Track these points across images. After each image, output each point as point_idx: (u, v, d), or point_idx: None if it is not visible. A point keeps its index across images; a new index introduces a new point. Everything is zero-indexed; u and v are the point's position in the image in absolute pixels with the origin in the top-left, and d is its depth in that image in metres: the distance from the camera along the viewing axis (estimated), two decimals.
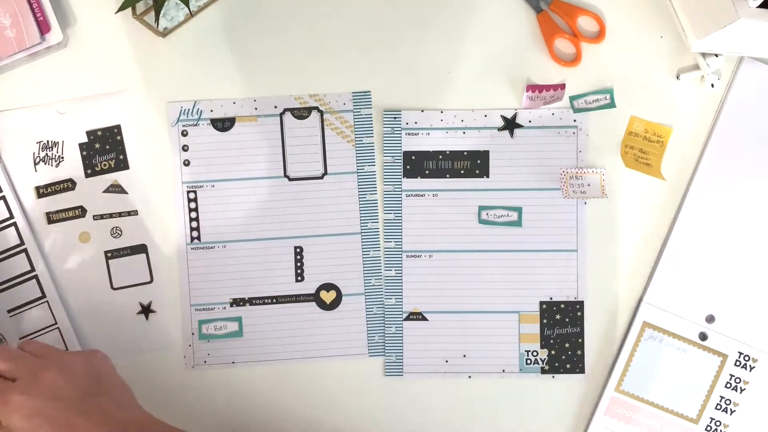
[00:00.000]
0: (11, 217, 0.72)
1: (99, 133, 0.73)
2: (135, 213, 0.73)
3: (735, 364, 0.73)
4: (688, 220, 0.72)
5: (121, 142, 0.73)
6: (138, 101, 0.74)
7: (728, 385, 0.73)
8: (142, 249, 0.73)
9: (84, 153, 0.73)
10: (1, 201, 0.72)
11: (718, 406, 0.73)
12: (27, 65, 0.74)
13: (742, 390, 0.73)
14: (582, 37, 0.75)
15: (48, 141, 0.73)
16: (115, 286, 0.73)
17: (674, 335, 0.73)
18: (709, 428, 0.73)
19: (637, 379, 0.73)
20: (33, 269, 0.72)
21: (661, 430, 0.73)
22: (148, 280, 0.73)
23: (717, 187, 0.73)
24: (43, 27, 0.72)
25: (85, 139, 0.73)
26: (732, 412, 0.73)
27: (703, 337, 0.73)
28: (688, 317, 0.73)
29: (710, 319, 0.73)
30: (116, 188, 0.73)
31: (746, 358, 0.73)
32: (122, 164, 0.73)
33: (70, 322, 0.72)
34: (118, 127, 0.73)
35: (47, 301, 0.72)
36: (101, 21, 0.74)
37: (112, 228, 0.73)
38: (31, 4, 0.71)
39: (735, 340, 0.73)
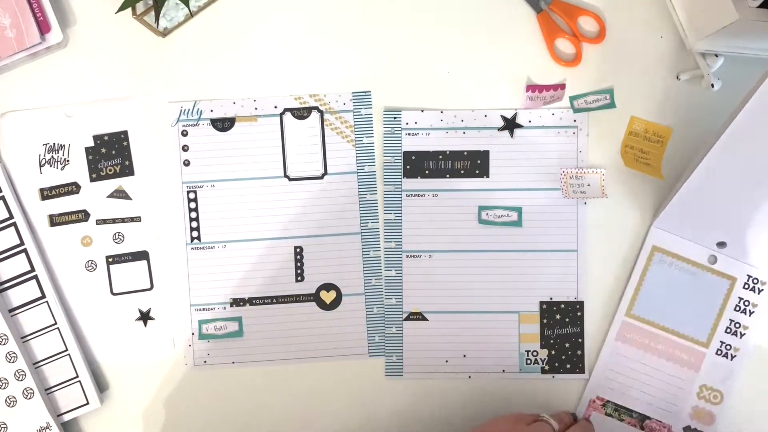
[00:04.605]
0: (11, 217, 0.72)
1: (106, 138, 0.73)
2: (138, 219, 0.73)
3: (744, 287, 0.73)
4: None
5: (128, 148, 0.73)
6: (137, 101, 0.74)
7: (737, 308, 0.73)
8: (143, 256, 0.74)
9: (90, 157, 0.73)
10: (1, 201, 0.72)
11: (728, 330, 0.73)
12: (27, 65, 0.74)
13: (751, 313, 0.73)
14: (582, 37, 0.75)
15: (54, 143, 0.73)
16: (114, 291, 0.73)
17: (683, 259, 0.73)
18: (719, 351, 0.73)
19: (647, 304, 0.73)
20: (33, 269, 0.72)
21: (672, 353, 0.73)
22: (149, 287, 0.74)
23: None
24: (43, 27, 0.72)
25: (91, 143, 0.73)
26: (742, 335, 0.73)
27: (713, 261, 0.73)
28: (698, 241, 0.73)
29: (721, 245, 0.73)
30: (121, 194, 0.73)
31: (755, 281, 0.73)
32: (128, 170, 0.74)
33: (70, 324, 0.73)
34: (125, 132, 0.73)
35: (47, 302, 0.72)
36: (101, 21, 0.74)
37: (115, 233, 0.73)
38: (31, 4, 0.71)
39: (744, 264, 0.73)
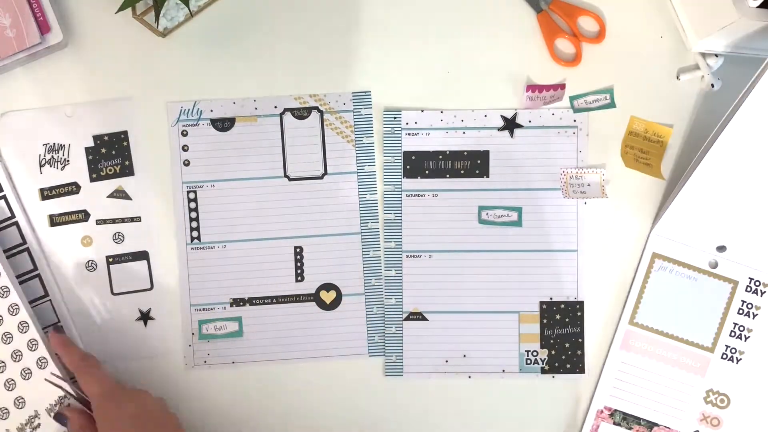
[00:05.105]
0: (13, 216, 0.72)
1: (106, 138, 0.73)
2: (138, 219, 0.73)
3: (746, 290, 0.73)
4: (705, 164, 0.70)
5: (128, 148, 0.73)
6: (137, 101, 0.74)
7: (741, 312, 0.73)
8: (143, 256, 0.74)
9: (90, 157, 0.73)
10: (2, 200, 0.72)
11: (732, 333, 0.73)
12: (27, 65, 0.74)
13: (754, 315, 0.73)
14: (582, 37, 0.75)
15: (54, 143, 0.73)
16: (115, 291, 0.73)
17: (684, 264, 0.73)
18: (725, 356, 0.73)
19: (650, 311, 0.73)
20: (36, 268, 0.72)
21: (677, 360, 0.73)
22: (149, 287, 0.74)
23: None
24: (43, 27, 0.72)
25: (91, 143, 0.73)
26: (746, 338, 0.73)
27: (714, 265, 0.73)
28: (698, 246, 0.73)
29: (721, 248, 0.73)
30: (120, 194, 0.73)
31: (757, 283, 0.73)
32: (127, 170, 0.74)
33: (73, 323, 0.73)
34: (125, 133, 0.74)
35: (50, 300, 0.72)
36: (101, 21, 0.74)
37: (115, 233, 0.73)
38: (31, 4, 0.71)
39: (745, 266, 0.73)
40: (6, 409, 0.70)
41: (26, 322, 0.70)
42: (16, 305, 0.70)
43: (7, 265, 0.70)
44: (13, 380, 0.70)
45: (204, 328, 0.74)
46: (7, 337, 0.70)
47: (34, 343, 0.70)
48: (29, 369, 0.70)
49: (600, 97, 0.74)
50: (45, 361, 0.70)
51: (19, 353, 0.70)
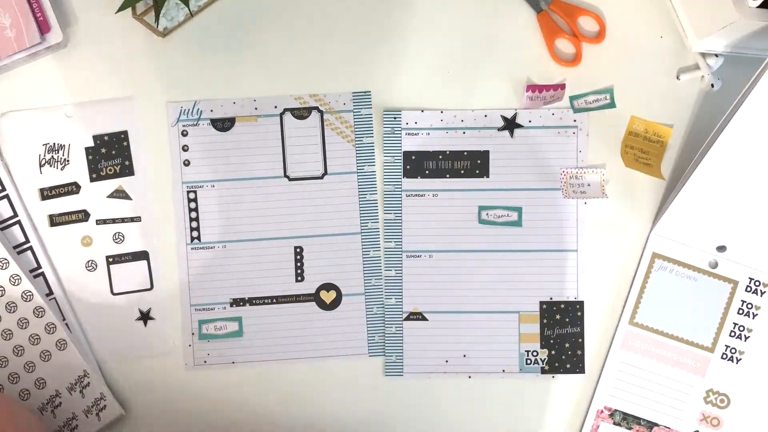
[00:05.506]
0: (15, 215, 0.72)
1: (106, 138, 0.73)
2: (138, 219, 0.73)
3: (746, 290, 0.73)
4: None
5: (128, 148, 0.74)
6: (137, 101, 0.74)
7: (741, 312, 0.73)
8: (143, 256, 0.74)
9: (90, 157, 0.73)
10: (5, 199, 0.72)
11: (732, 333, 0.73)
12: (27, 65, 0.74)
13: (754, 315, 0.73)
14: (582, 37, 0.75)
15: (54, 143, 0.73)
16: (115, 291, 0.74)
17: (684, 264, 0.73)
18: (725, 356, 0.73)
19: (650, 311, 0.73)
20: (39, 267, 0.72)
21: (677, 360, 0.73)
22: (149, 287, 0.74)
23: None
24: (43, 27, 0.72)
25: (91, 144, 0.73)
26: (746, 338, 0.73)
27: (714, 265, 0.73)
28: (698, 246, 0.73)
29: (721, 248, 0.73)
30: (120, 194, 0.73)
31: (757, 283, 0.73)
32: (127, 170, 0.74)
33: (77, 321, 0.73)
34: (125, 132, 0.74)
35: (55, 298, 0.72)
36: (101, 21, 0.74)
37: (115, 233, 0.73)
38: (31, 4, 0.71)
39: (745, 266, 0.73)
40: (27, 390, 0.71)
41: (42, 308, 0.71)
42: (30, 292, 0.71)
43: (19, 260, 0.72)
44: (32, 363, 0.71)
45: (204, 328, 0.74)
46: (23, 322, 0.71)
47: (52, 326, 0.71)
48: (48, 351, 0.71)
49: (600, 97, 0.74)
50: (64, 342, 0.71)
51: (37, 337, 0.71)
